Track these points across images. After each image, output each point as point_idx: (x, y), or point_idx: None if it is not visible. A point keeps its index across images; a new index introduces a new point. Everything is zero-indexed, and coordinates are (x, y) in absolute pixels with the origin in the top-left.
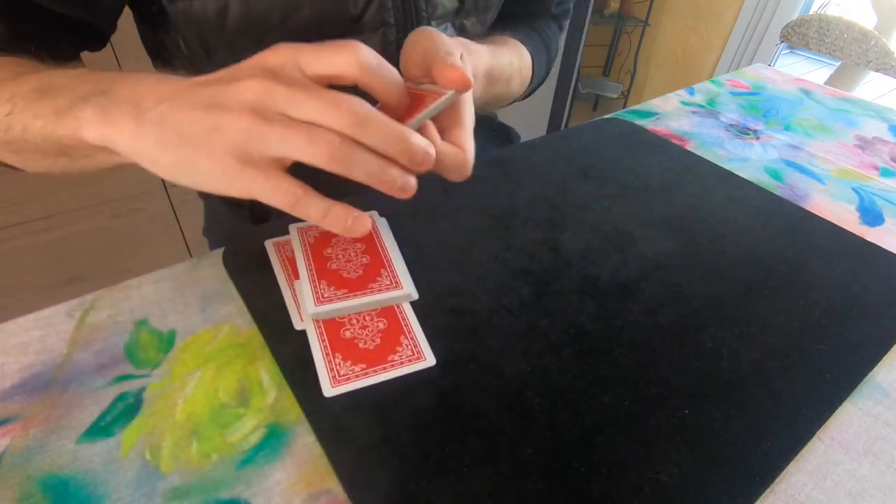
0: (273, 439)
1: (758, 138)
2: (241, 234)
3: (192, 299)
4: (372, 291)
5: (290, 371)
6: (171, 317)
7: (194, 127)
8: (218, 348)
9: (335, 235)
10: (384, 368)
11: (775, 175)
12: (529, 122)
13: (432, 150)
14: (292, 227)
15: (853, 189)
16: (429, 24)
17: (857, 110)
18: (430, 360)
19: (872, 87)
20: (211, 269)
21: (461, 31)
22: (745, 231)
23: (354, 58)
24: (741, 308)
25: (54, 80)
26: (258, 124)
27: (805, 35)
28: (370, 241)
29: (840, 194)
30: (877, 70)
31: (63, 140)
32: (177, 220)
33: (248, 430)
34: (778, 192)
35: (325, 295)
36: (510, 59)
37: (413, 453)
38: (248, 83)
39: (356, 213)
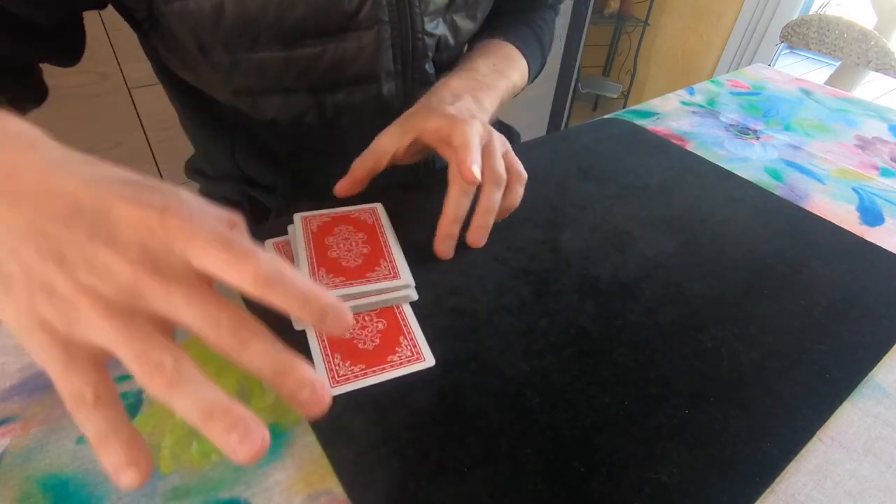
0: (273, 439)
1: (758, 138)
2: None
3: None
4: (369, 281)
5: None
6: None
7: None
8: None
9: (338, 225)
10: (383, 369)
11: (775, 175)
12: (529, 122)
13: (348, 313)
14: (297, 217)
15: (853, 189)
16: (421, 20)
17: (857, 110)
18: (429, 360)
19: (872, 87)
20: None
21: (452, 27)
22: (745, 231)
23: (250, 274)
24: (741, 308)
25: None
26: (116, 329)
27: (805, 35)
28: (372, 232)
29: (840, 194)
30: (877, 70)
31: None
32: None
33: None
34: (778, 192)
35: (323, 282)
36: (508, 82)
37: (413, 453)
38: (118, 266)
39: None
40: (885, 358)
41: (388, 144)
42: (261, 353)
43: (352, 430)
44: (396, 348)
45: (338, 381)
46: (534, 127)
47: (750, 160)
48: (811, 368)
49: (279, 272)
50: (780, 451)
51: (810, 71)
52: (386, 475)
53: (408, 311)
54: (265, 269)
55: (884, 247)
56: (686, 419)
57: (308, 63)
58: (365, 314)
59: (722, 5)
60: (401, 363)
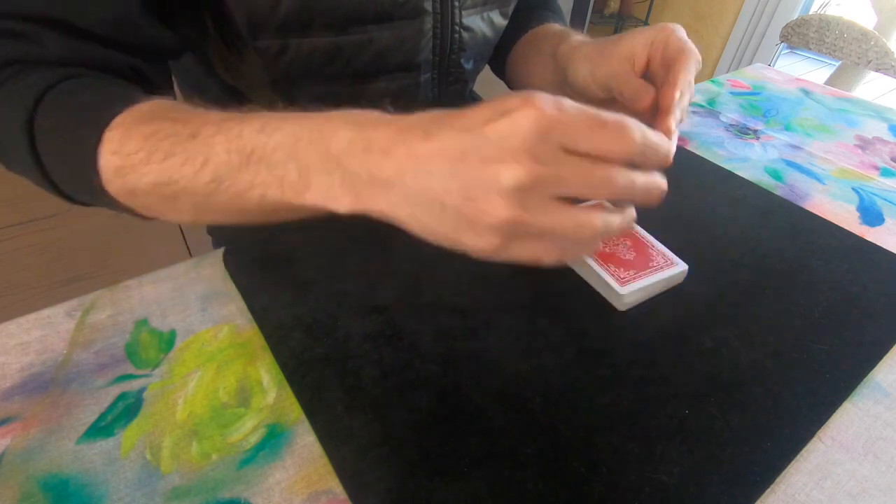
0: (273, 439)
1: (758, 138)
2: (247, 232)
3: (192, 299)
4: (655, 270)
5: (290, 371)
6: (171, 317)
7: (451, 210)
8: (218, 348)
9: None
10: (650, 272)
11: (775, 175)
12: None
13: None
14: None
15: (853, 189)
16: (460, 13)
17: (857, 110)
18: (681, 265)
19: (872, 87)
20: (211, 269)
21: (489, 23)
22: (745, 231)
23: (628, 142)
24: (741, 308)
25: (248, 140)
26: (522, 219)
27: (805, 35)
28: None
29: (840, 194)
30: (877, 70)
31: (292, 207)
32: None
33: (248, 430)
34: (778, 192)
35: (623, 277)
36: None
37: (413, 453)
38: (509, 169)
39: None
40: (885, 358)
41: (625, 65)
42: (643, 181)
43: (352, 430)
44: (650, 259)
45: (624, 282)
46: None
47: (750, 160)
48: (811, 368)
49: (649, 139)
50: (780, 451)
51: (810, 71)
52: (386, 475)
53: (642, 231)
54: (640, 138)
55: (884, 247)
56: (686, 419)
57: (355, 50)
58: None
59: (722, 5)
60: (660, 267)
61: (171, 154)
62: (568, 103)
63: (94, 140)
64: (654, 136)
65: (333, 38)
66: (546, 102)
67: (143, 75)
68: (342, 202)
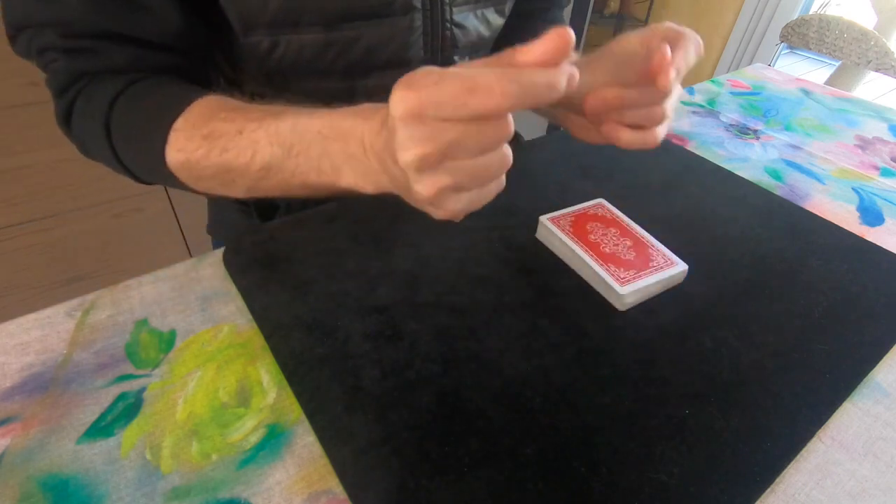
0: (273, 439)
1: (758, 138)
2: (247, 232)
3: (192, 299)
4: (655, 270)
5: (290, 371)
6: (171, 317)
7: (396, 171)
8: (218, 348)
9: (587, 222)
10: (651, 272)
11: (775, 175)
12: (530, 122)
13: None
14: (544, 219)
15: (853, 189)
16: (450, 10)
17: (857, 110)
18: (682, 265)
19: (872, 87)
20: (211, 269)
21: (484, 21)
22: (745, 231)
23: (502, 95)
24: (741, 308)
25: (286, 138)
26: (430, 143)
27: (805, 35)
28: (620, 226)
29: (840, 194)
30: (877, 70)
31: (333, 187)
32: (177, 220)
33: (248, 430)
34: (778, 192)
35: (624, 277)
36: None
37: (413, 453)
38: (406, 157)
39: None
40: (885, 358)
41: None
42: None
43: (352, 430)
44: (650, 259)
45: (624, 282)
46: (534, 127)
47: (750, 160)
48: (811, 368)
49: (521, 82)
50: (780, 451)
51: (810, 71)
52: (386, 475)
53: (642, 231)
54: (512, 85)
55: (884, 247)
56: (686, 419)
57: (345, 46)
58: (603, 232)
59: (722, 5)
60: (661, 267)
61: (226, 150)
62: (443, 75)
63: (160, 141)
64: (529, 75)
65: (323, 34)
66: (417, 81)
67: (190, 73)
68: (367, 188)
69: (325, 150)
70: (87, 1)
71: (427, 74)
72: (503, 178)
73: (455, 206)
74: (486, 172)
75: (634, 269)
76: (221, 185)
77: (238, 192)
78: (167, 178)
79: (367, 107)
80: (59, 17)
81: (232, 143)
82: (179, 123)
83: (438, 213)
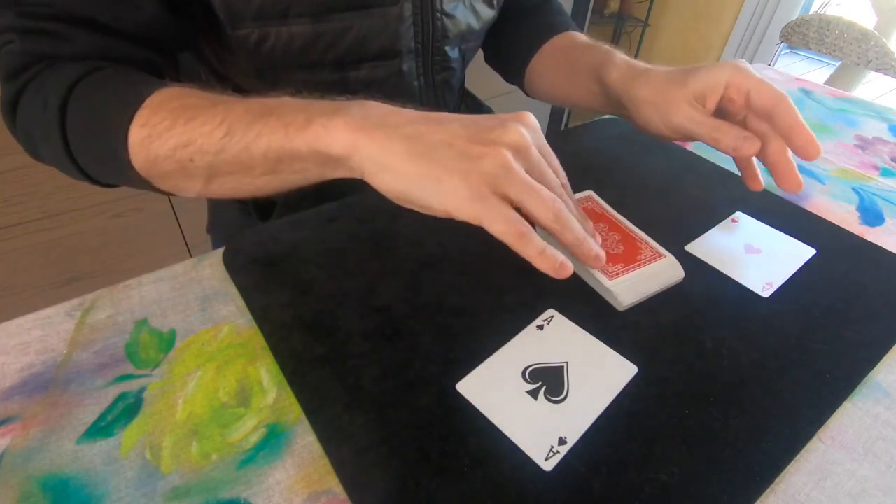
0: (273, 439)
1: None
2: (247, 231)
3: (192, 299)
4: (643, 263)
5: (290, 371)
6: (171, 317)
7: (455, 151)
8: (218, 348)
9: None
10: (639, 264)
11: None
12: None
13: (601, 254)
14: None
15: (853, 189)
16: (440, 1)
17: (857, 110)
18: (670, 257)
19: (872, 87)
20: (211, 269)
21: (473, 12)
22: None
23: (552, 214)
24: (741, 308)
25: (269, 105)
26: (515, 167)
27: (805, 35)
28: (608, 220)
29: (840, 194)
30: (877, 70)
31: (292, 152)
32: (177, 220)
33: (248, 430)
34: (778, 192)
35: (612, 271)
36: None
37: (413, 453)
38: (512, 133)
39: (562, 258)
40: (885, 358)
41: (698, 111)
42: (572, 237)
43: (352, 430)
44: (639, 252)
45: (613, 276)
46: None
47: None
48: (811, 368)
49: (567, 218)
50: (780, 451)
51: (810, 71)
52: (386, 475)
53: (630, 225)
54: (561, 213)
55: (884, 247)
56: (686, 419)
57: (334, 37)
58: (600, 231)
59: (722, 5)
60: (648, 261)
61: (193, 118)
62: (539, 136)
63: (126, 118)
64: (574, 227)
65: (312, 25)
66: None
67: (157, 67)
68: (337, 137)
69: (305, 108)
70: None
71: (531, 122)
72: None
73: (490, 208)
74: (543, 191)
75: (622, 262)
76: (178, 166)
77: (195, 178)
78: (121, 168)
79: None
80: None
81: (203, 112)
82: (149, 101)
83: (469, 192)
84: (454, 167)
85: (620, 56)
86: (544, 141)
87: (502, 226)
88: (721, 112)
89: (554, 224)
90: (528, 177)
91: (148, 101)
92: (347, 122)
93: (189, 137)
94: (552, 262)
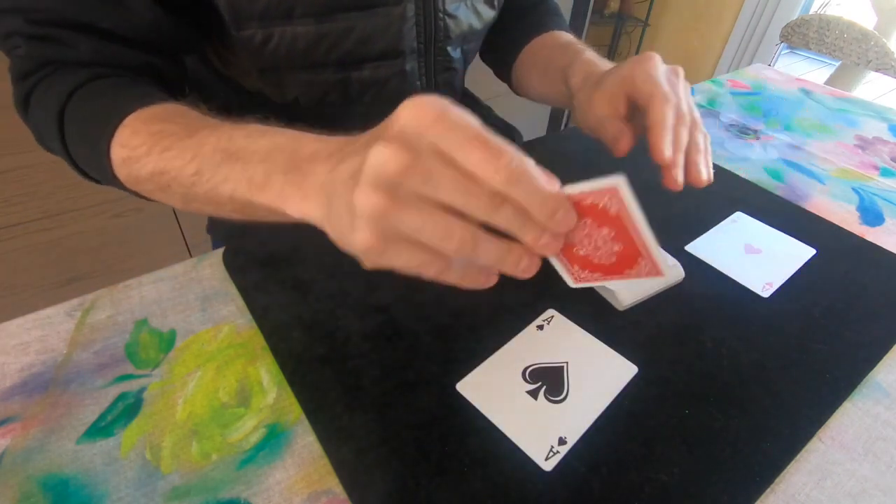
0: (273, 439)
1: (758, 138)
2: (247, 232)
3: (192, 299)
4: (629, 276)
5: (290, 371)
6: (171, 317)
7: (341, 202)
8: (218, 348)
9: (585, 215)
10: (625, 277)
11: (775, 175)
12: (529, 122)
13: (573, 215)
14: None
15: (853, 189)
16: (443, 1)
17: (857, 110)
18: (669, 258)
19: (872, 87)
20: (211, 269)
21: (475, 13)
22: None
23: (499, 168)
24: (741, 308)
25: (235, 142)
26: (387, 207)
27: (805, 35)
28: (619, 225)
29: (840, 194)
30: (877, 70)
31: (254, 205)
32: (177, 220)
33: (248, 430)
34: (778, 192)
35: (582, 276)
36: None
37: (413, 453)
38: (377, 150)
39: (486, 274)
40: (885, 358)
41: (605, 109)
42: (509, 218)
43: (352, 430)
44: (633, 266)
45: (580, 280)
46: (534, 127)
47: (750, 160)
48: (811, 368)
49: (526, 171)
50: (780, 451)
51: (810, 71)
52: (386, 475)
53: (643, 234)
54: (515, 167)
55: (884, 247)
56: (686, 419)
57: (338, 37)
58: (598, 237)
59: (722, 5)
60: (638, 275)
61: (168, 149)
62: (459, 114)
63: (107, 135)
64: (536, 179)
65: (315, 25)
66: (433, 104)
67: (162, 72)
68: (290, 203)
69: (267, 157)
70: None
71: (437, 101)
72: (475, 265)
73: (395, 255)
74: (440, 227)
75: (600, 272)
76: (157, 188)
77: (174, 200)
78: (110, 178)
79: (335, 137)
80: (24, 3)
81: (177, 144)
82: (130, 120)
83: (366, 244)
84: (348, 225)
85: (586, 57)
86: (441, 148)
87: (412, 270)
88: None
89: (458, 254)
90: (415, 212)
91: (128, 120)
92: (295, 190)
93: (164, 167)
94: (477, 279)
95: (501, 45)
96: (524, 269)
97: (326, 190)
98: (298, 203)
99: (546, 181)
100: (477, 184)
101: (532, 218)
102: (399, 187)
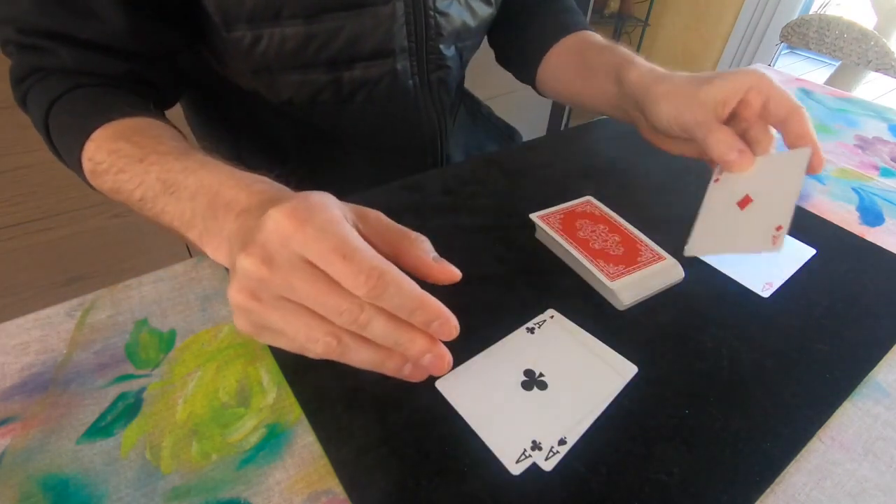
0: (273, 439)
1: None
2: None
3: (192, 299)
4: (643, 266)
5: (291, 371)
6: (171, 317)
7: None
8: (218, 348)
9: (576, 219)
10: (638, 266)
11: None
12: (529, 122)
13: (454, 322)
14: (535, 216)
15: (853, 189)
16: (434, 3)
17: (857, 110)
18: (670, 259)
19: (872, 87)
20: (211, 269)
21: (469, 10)
22: None
23: (363, 284)
24: (741, 308)
25: (172, 175)
26: (251, 307)
27: (805, 35)
28: (608, 221)
29: (840, 194)
30: (877, 70)
31: (190, 238)
32: None
33: (248, 430)
34: None
35: (615, 272)
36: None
37: (413, 453)
38: (242, 258)
39: (407, 367)
40: (885, 358)
41: (711, 114)
42: (381, 333)
43: (352, 430)
44: (639, 254)
45: (613, 277)
46: (534, 127)
47: None
48: (811, 368)
49: (387, 286)
50: (780, 451)
51: (810, 71)
52: (386, 475)
53: (629, 226)
54: (378, 278)
55: (884, 247)
56: (686, 419)
57: (327, 37)
58: (592, 229)
59: (722, 5)
60: (648, 262)
61: (122, 171)
62: (325, 221)
63: (77, 147)
64: (403, 288)
65: (304, 26)
66: (300, 212)
67: (147, 79)
68: (207, 248)
69: (194, 196)
70: (35, 0)
71: (312, 206)
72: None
73: (270, 340)
74: (301, 330)
75: (623, 264)
76: (124, 201)
77: (142, 213)
78: (92, 186)
79: (264, 181)
80: (13, 14)
81: (129, 167)
82: (97, 134)
83: (244, 329)
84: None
85: (642, 59)
86: (313, 236)
87: (303, 350)
88: (730, 118)
89: (329, 357)
90: (277, 314)
91: (95, 135)
92: (214, 236)
93: (118, 188)
94: (394, 369)
95: (523, 48)
96: (409, 375)
97: (230, 244)
98: (213, 251)
99: (416, 290)
100: (344, 293)
101: (410, 324)
102: (263, 290)
